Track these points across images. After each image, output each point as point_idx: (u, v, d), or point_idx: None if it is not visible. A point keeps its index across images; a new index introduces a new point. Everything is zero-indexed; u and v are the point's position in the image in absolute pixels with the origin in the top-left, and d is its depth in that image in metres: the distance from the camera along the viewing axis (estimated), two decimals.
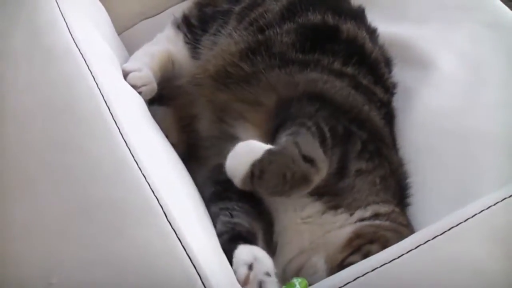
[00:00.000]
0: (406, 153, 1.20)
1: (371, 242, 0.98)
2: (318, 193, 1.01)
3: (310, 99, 1.08)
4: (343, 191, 1.02)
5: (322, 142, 1.00)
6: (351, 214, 1.02)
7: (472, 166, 1.15)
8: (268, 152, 0.96)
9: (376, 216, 1.03)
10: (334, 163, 1.01)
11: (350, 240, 0.99)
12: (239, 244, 0.93)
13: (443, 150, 1.20)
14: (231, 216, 0.99)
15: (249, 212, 1.02)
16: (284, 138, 1.01)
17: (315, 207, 1.03)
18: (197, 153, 1.18)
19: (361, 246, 0.97)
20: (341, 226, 1.01)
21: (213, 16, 1.34)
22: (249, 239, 0.96)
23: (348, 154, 1.04)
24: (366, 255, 0.93)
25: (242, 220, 1.00)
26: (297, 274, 0.97)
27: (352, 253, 0.97)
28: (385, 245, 0.96)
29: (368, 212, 1.03)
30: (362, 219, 1.02)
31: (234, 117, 1.17)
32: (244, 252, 0.91)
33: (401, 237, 0.99)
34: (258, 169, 0.95)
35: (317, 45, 1.19)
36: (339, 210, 1.02)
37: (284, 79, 1.14)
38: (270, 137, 1.05)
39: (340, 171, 1.02)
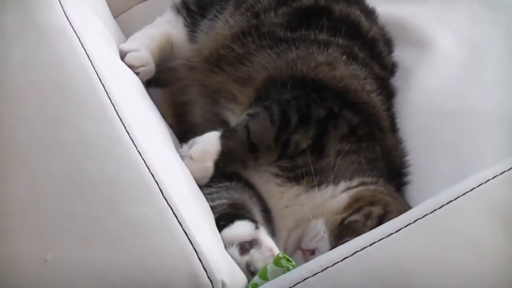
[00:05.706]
0: (404, 133, 1.20)
1: (371, 204, 0.99)
2: (296, 178, 1.03)
3: (293, 85, 1.08)
4: (324, 170, 1.02)
5: (282, 128, 1.03)
6: (336, 185, 1.03)
7: (470, 144, 1.15)
8: (224, 138, 1.01)
9: (363, 184, 1.03)
10: (306, 142, 1.03)
11: (349, 204, 1.00)
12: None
13: (441, 129, 1.20)
14: (212, 200, 0.98)
15: (232, 189, 1.02)
16: (243, 116, 1.05)
17: (296, 191, 1.03)
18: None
19: (361, 207, 0.99)
20: (332, 197, 1.02)
21: (211, 1, 1.33)
22: (230, 218, 0.94)
23: (327, 136, 1.04)
24: (368, 216, 0.97)
25: (221, 201, 0.98)
26: (299, 242, 0.98)
27: (352, 214, 0.98)
28: (386, 208, 0.98)
29: (354, 182, 1.04)
30: (350, 188, 1.03)
31: (227, 98, 1.18)
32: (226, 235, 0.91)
33: (397, 201, 1.00)
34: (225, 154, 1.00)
35: (305, 21, 1.18)
36: (322, 186, 1.02)
37: (274, 59, 1.13)
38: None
39: (319, 151, 1.03)
